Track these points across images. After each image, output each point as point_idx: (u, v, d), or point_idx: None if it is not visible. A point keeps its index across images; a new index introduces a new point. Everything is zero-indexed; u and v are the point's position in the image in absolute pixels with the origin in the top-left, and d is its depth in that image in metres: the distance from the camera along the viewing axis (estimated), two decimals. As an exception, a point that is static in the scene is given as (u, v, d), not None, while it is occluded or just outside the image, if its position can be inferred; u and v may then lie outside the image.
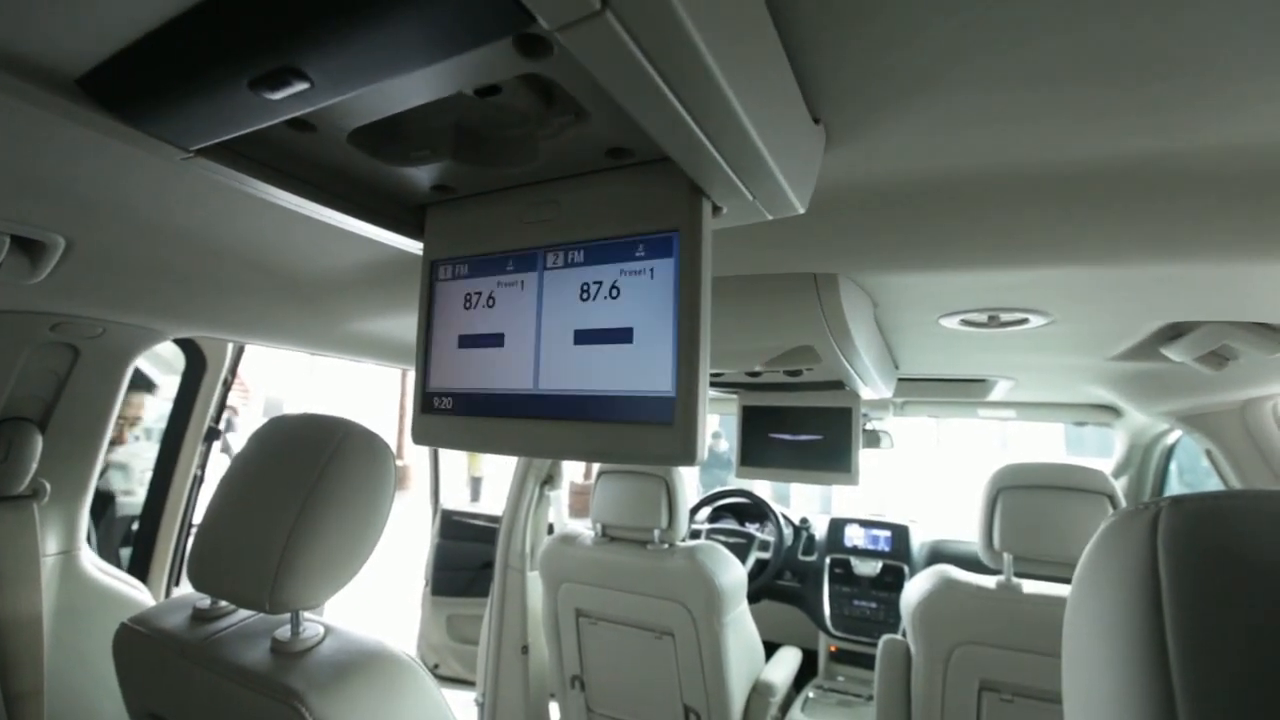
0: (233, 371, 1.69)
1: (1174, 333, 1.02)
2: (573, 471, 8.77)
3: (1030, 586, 1.30)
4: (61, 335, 1.13)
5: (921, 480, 9.53)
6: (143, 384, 1.64)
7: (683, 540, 1.84)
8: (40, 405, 1.18)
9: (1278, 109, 0.44)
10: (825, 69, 0.43)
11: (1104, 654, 0.35)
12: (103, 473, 1.60)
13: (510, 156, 0.47)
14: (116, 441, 1.65)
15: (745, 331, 1.01)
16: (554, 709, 2.18)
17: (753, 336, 1.03)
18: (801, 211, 0.48)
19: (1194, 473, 2.17)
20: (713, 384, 1.57)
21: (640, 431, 0.42)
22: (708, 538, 2.64)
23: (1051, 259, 0.70)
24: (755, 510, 2.82)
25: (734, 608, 1.80)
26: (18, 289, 0.91)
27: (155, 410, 1.63)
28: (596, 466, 2.12)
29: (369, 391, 13.11)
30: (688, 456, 0.41)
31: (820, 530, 2.70)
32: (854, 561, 2.53)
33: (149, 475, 1.65)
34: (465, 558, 2.89)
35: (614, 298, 0.45)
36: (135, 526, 1.65)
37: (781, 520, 2.70)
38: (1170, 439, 2.08)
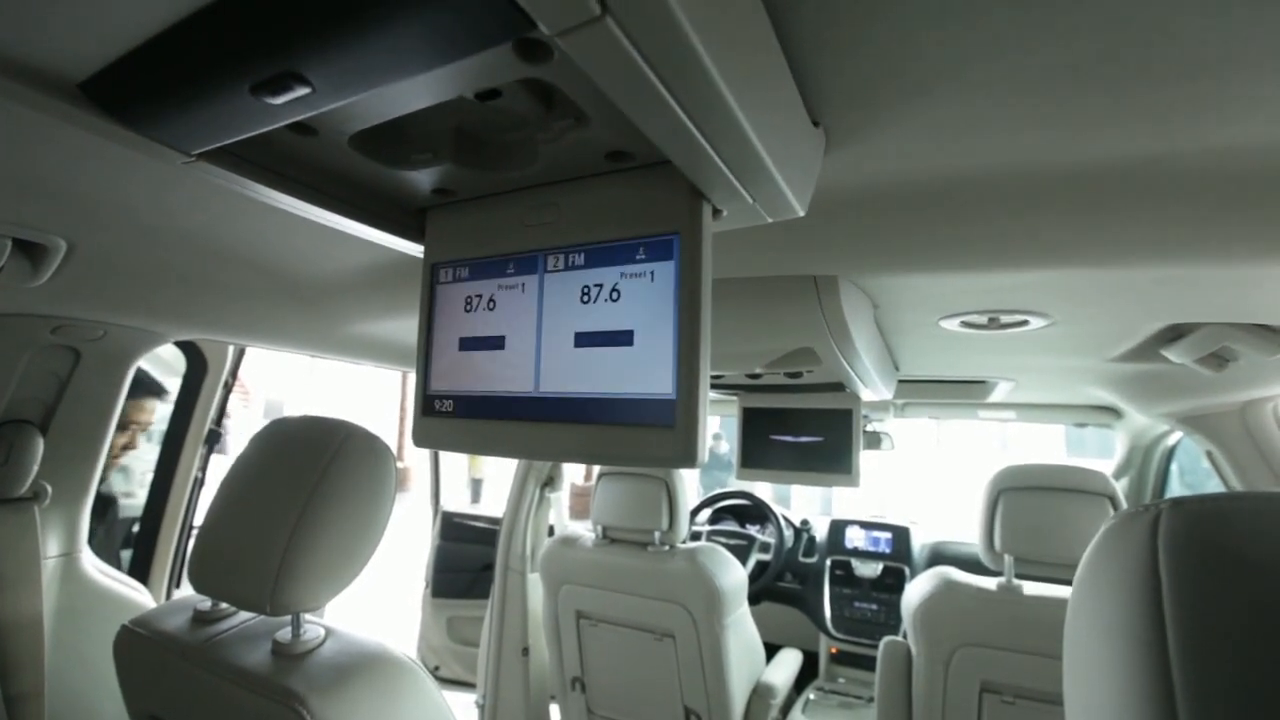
0: (233, 374, 1.70)
1: (1174, 334, 1.02)
2: (573, 473, 8.77)
3: (1031, 588, 1.30)
4: (63, 338, 1.13)
5: (922, 482, 9.53)
6: (153, 389, 1.65)
7: (683, 542, 1.84)
8: (41, 408, 1.19)
9: (1277, 111, 0.45)
10: (825, 72, 0.43)
11: (1105, 655, 0.35)
12: (105, 476, 1.61)
13: (511, 160, 0.47)
14: (129, 446, 1.65)
15: (746, 334, 1.01)
16: (554, 711, 2.17)
17: (753, 339, 1.03)
18: (801, 214, 0.48)
19: (1195, 474, 2.17)
20: (713, 386, 1.58)
21: (641, 434, 0.42)
22: (708, 539, 2.63)
23: (1052, 261, 0.70)
24: (756, 512, 2.82)
25: (735, 609, 1.80)
26: (19, 292, 0.91)
27: (167, 415, 1.65)
28: (597, 468, 2.13)
29: (369, 393, 13.12)
30: (689, 459, 0.41)
31: (821, 532, 2.70)
32: (855, 563, 2.53)
33: (149, 477, 1.65)
34: (466, 559, 2.89)
35: (614, 300, 0.45)
36: (135, 528, 1.65)
37: (782, 522, 2.70)
38: (1171, 440, 2.08)
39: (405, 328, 1.24)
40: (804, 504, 7.39)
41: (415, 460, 10.70)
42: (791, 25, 0.38)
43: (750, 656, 1.93)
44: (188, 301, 1.08)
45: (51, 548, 1.23)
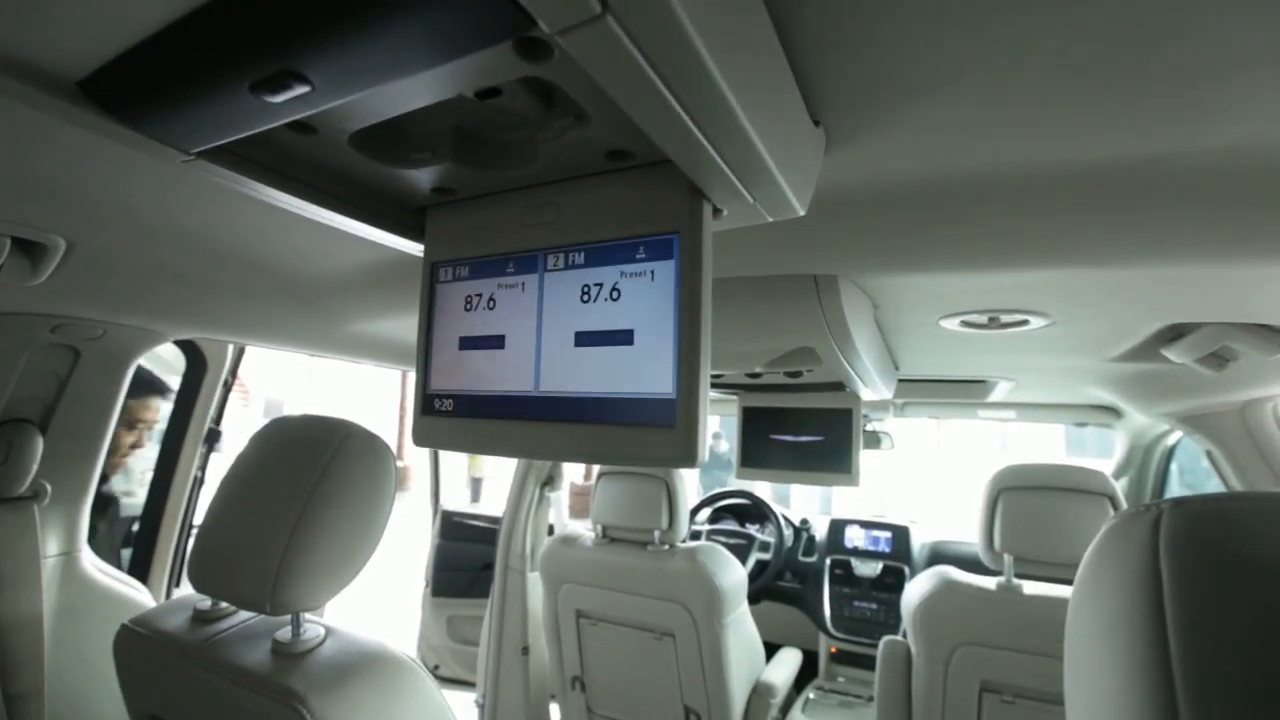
0: (233, 373, 1.70)
1: (1174, 334, 1.02)
2: (573, 472, 8.78)
3: (1031, 588, 1.30)
4: (62, 337, 1.13)
5: (922, 481, 9.53)
6: (159, 388, 1.66)
7: (683, 541, 1.84)
8: (41, 407, 1.18)
9: (1277, 110, 0.44)
10: (826, 72, 0.43)
11: (1106, 655, 0.35)
12: (109, 476, 1.62)
13: (510, 159, 0.47)
14: (137, 445, 1.66)
15: (746, 333, 1.01)
16: (554, 710, 2.18)
17: (753, 338, 1.03)
18: (802, 214, 0.48)
19: (1194, 473, 2.17)
20: (713, 385, 1.57)
21: (641, 433, 0.42)
22: (708, 539, 2.63)
23: (1052, 260, 0.70)
24: (755, 511, 2.82)
25: (734, 609, 1.80)
26: (18, 291, 0.91)
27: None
28: (597, 467, 2.12)
29: (369, 392, 13.12)
30: (689, 459, 0.41)
31: (821, 531, 2.70)
32: (854, 562, 2.53)
33: (149, 476, 1.65)
34: (465, 559, 2.89)
35: (614, 299, 0.45)
36: (135, 527, 1.66)
37: (782, 521, 2.70)
38: (1171, 440, 2.08)
39: (405, 327, 1.24)
40: (803, 503, 7.39)
41: (415, 459, 10.70)
42: (793, 25, 0.38)
43: (750, 656, 1.93)
44: (187, 300, 1.07)
45: (51, 547, 1.23)
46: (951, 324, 1.02)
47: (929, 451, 10.60)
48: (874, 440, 2.31)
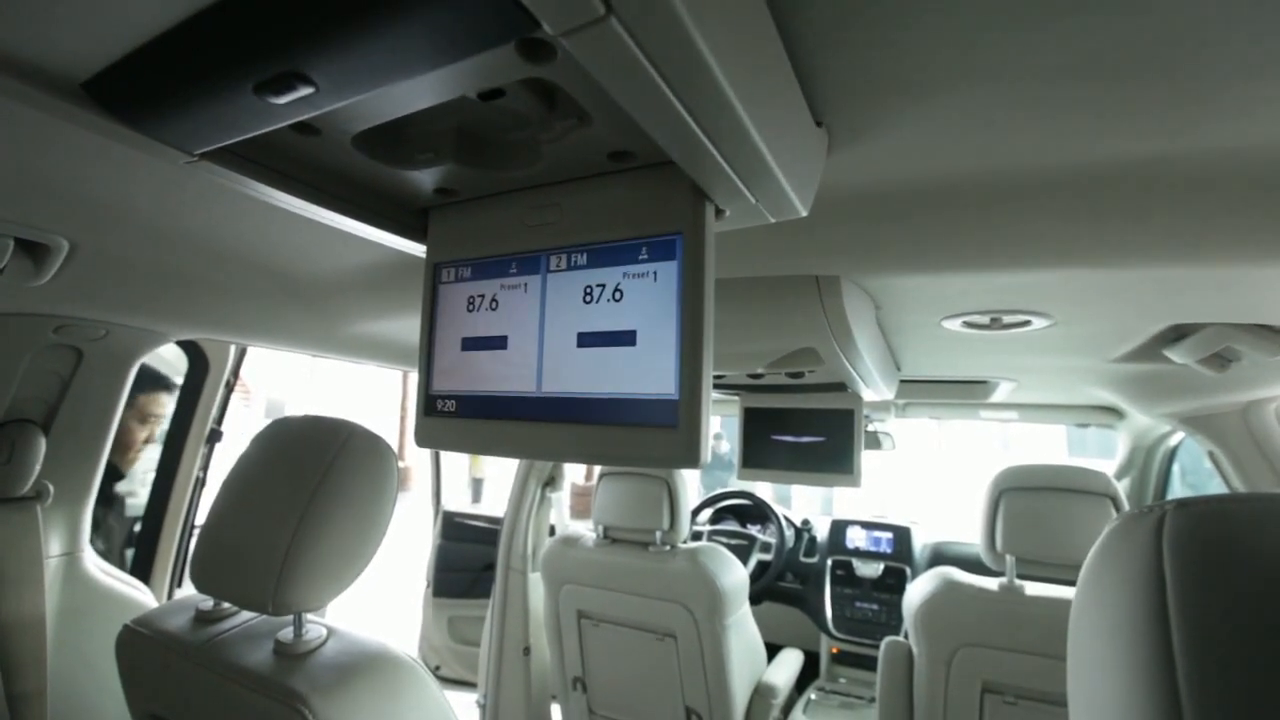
0: (235, 373, 1.70)
1: (1176, 335, 1.02)
2: (574, 473, 8.78)
3: (1033, 588, 1.30)
4: (65, 337, 1.13)
5: (923, 482, 9.52)
6: (167, 384, 1.68)
7: (684, 542, 1.84)
8: (44, 407, 1.19)
9: (1279, 111, 0.44)
10: (828, 73, 0.43)
11: (1109, 657, 0.35)
12: (123, 470, 1.62)
13: (513, 160, 0.47)
14: (149, 440, 1.67)
15: (748, 334, 1.01)
16: (556, 710, 2.17)
17: (755, 339, 1.03)
18: (804, 214, 0.48)
19: (1197, 474, 2.17)
20: (715, 386, 1.57)
21: (644, 434, 0.42)
22: (709, 539, 2.63)
23: (1054, 261, 0.70)
24: (757, 512, 2.82)
25: (736, 609, 1.79)
26: (21, 291, 0.91)
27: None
28: (598, 468, 2.12)
29: (370, 393, 13.13)
30: (692, 459, 0.41)
31: (822, 532, 2.69)
32: (856, 563, 2.53)
33: (151, 476, 1.65)
34: (467, 559, 2.89)
35: (617, 300, 0.45)
36: (137, 527, 1.66)
37: (783, 522, 2.70)
38: (1173, 441, 2.08)
39: (407, 327, 1.24)
40: (805, 504, 7.38)
41: (416, 459, 10.70)
42: (795, 26, 0.38)
43: (751, 656, 1.93)
44: (190, 301, 1.08)
45: (54, 547, 1.23)
46: (953, 325, 1.02)
47: (930, 452, 10.59)
48: (875, 441, 2.30)
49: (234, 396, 1.75)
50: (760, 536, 2.70)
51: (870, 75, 0.43)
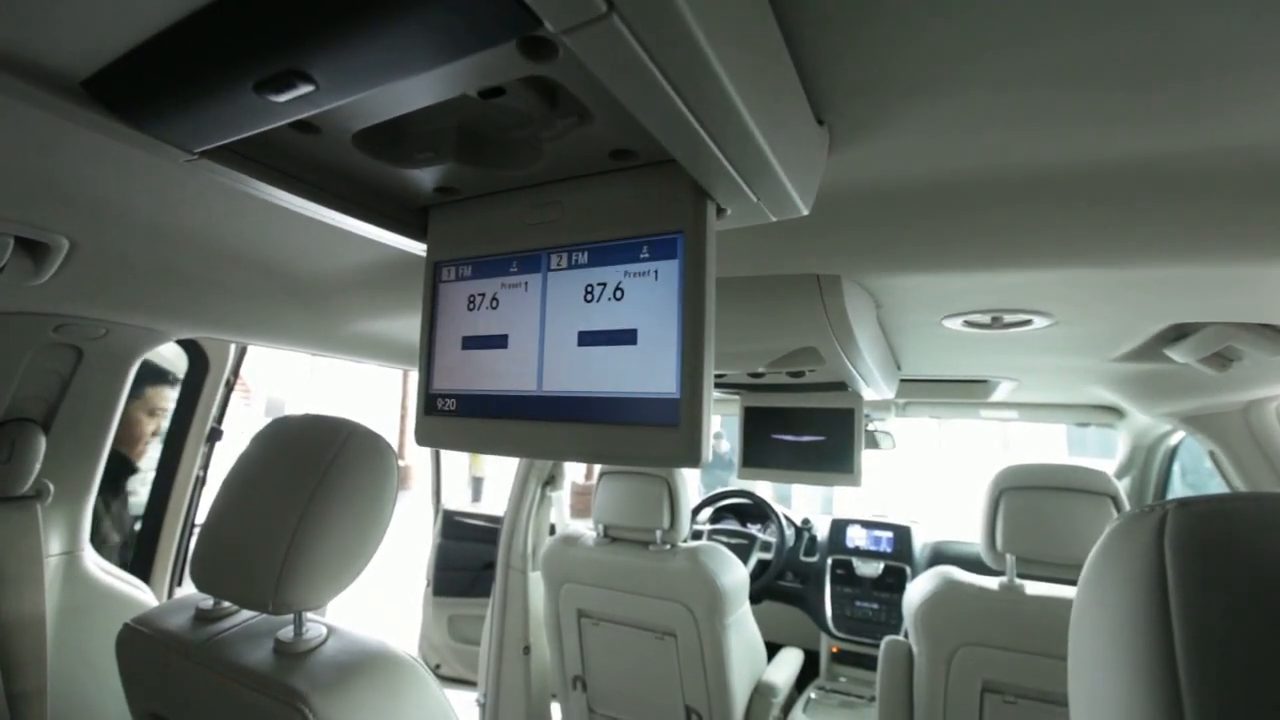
0: (235, 372, 1.70)
1: (1177, 334, 1.02)
2: (574, 472, 8.78)
3: (1033, 588, 1.30)
4: (65, 336, 1.13)
5: (923, 481, 9.52)
6: (167, 379, 1.68)
7: (685, 541, 1.84)
8: (44, 406, 1.19)
9: None
10: (829, 71, 0.43)
11: (1111, 656, 0.35)
12: (133, 463, 1.63)
13: (514, 158, 0.47)
14: (157, 433, 1.68)
15: (749, 333, 1.01)
16: (556, 709, 2.18)
17: (756, 338, 1.03)
18: (805, 213, 0.48)
19: (1197, 474, 2.17)
20: (715, 385, 1.57)
21: (645, 433, 0.42)
22: (709, 538, 2.63)
23: (1055, 260, 0.70)
24: (757, 511, 2.82)
25: (736, 608, 1.80)
26: (21, 290, 0.91)
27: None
28: (598, 467, 2.12)
29: (370, 392, 13.13)
30: (693, 458, 0.41)
31: (822, 531, 2.69)
32: (856, 562, 2.53)
33: (151, 475, 1.65)
34: (467, 558, 2.89)
35: (618, 299, 0.45)
36: (138, 526, 1.66)
37: (783, 521, 2.70)
38: (1173, 440, 2.08)
39: (408, 326, 1.24)
40: (805, 503, 7.38)
41: (416, 458, 10.70)
42: (797, 24, 0.38)
43: (751, 655, 1.93)
44: (190, 300, 1.08)
45: (54, 546, 1.23)
46: (954, 324, 1.02)
47: (930, 451, 10.59)
48: (875, 440, 2.30)
49: (234, 395, 1.75)
50: (760, 536, 2.70)
51: (872, 74, 0.43)
